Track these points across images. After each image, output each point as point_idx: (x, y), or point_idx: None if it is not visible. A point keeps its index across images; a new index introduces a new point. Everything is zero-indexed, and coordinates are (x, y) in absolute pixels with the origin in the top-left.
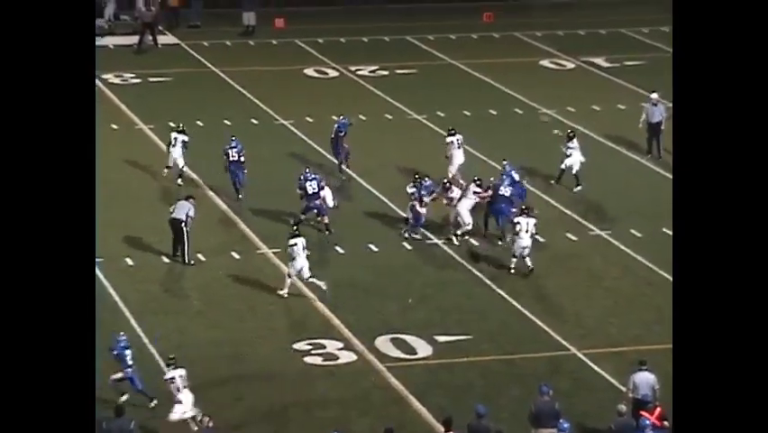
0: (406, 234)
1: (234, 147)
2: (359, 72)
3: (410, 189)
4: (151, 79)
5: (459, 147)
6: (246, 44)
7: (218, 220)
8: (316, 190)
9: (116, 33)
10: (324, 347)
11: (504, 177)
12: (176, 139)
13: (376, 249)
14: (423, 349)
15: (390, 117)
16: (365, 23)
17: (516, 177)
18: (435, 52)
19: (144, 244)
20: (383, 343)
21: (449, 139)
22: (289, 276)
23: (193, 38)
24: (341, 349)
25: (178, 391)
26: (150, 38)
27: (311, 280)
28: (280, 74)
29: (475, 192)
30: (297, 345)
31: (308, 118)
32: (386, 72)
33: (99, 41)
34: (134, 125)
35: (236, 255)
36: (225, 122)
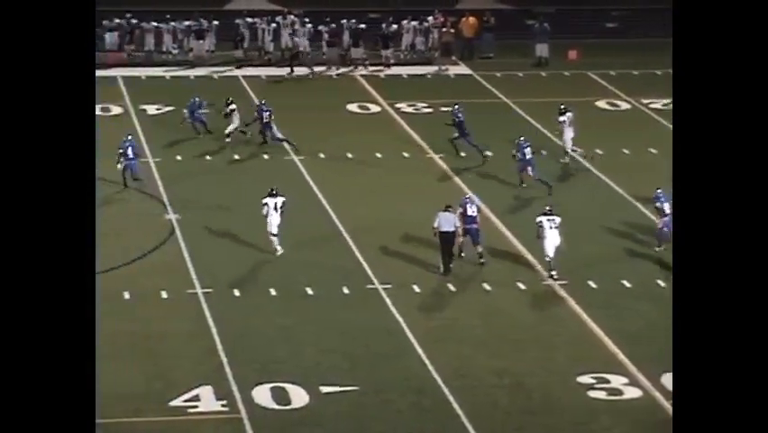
0: None
1: (266, 111)
2: (651, 105)
3: None
4: (443, 109)
5: (569, 125)
6: (538, 76)
7: (506, 250)
8: (475, 214)
9: (410, 63)
10: (609, 382)
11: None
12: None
13: (663, 284)
14: None
15: None
16: (658, 56)
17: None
18: None
19: (429, 272)
20: (670, 380)
21: (561, 118)
22: (272, 234)
23: (485, 68)
24: (626, 384)
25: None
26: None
27: (273, 237)
28: (571, 106)
29: None
30: (580, 378)
31: (598, 150)
32: None
33: (387, 72)
34: (425, 154)
35: (522, 286)
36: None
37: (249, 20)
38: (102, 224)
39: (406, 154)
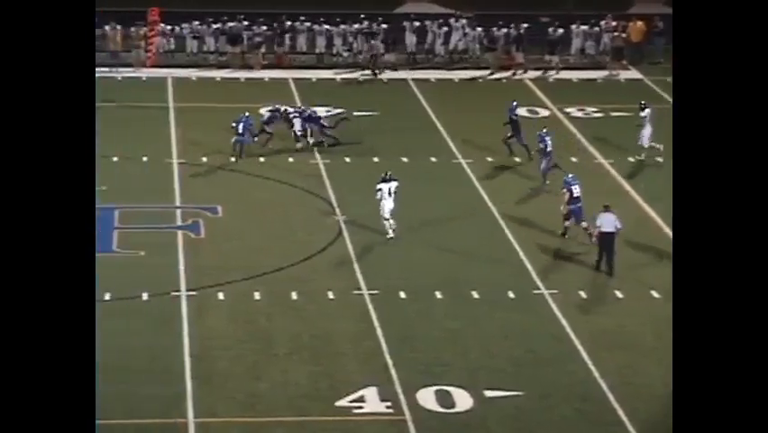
0: None
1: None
2: None
3: None
4: (613, 114)
5: (649, 121)
6: None
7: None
8: (580, 194)
9: (581, 67)
10: None
11: None
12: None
13: None
14: None
15: None
16: None
17: None
18: None
19: (595, 277)
20: None
21: (642, 113)
22: (384, 219)
23: (656, 73)
24: None
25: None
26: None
27: (389, 220)
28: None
29: None
30: None
31: None
32: None
33: (556, 76)
34: (593, 159)
35: None
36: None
37: (416, 23)
38: (271, 224)
39: (573, 159)
